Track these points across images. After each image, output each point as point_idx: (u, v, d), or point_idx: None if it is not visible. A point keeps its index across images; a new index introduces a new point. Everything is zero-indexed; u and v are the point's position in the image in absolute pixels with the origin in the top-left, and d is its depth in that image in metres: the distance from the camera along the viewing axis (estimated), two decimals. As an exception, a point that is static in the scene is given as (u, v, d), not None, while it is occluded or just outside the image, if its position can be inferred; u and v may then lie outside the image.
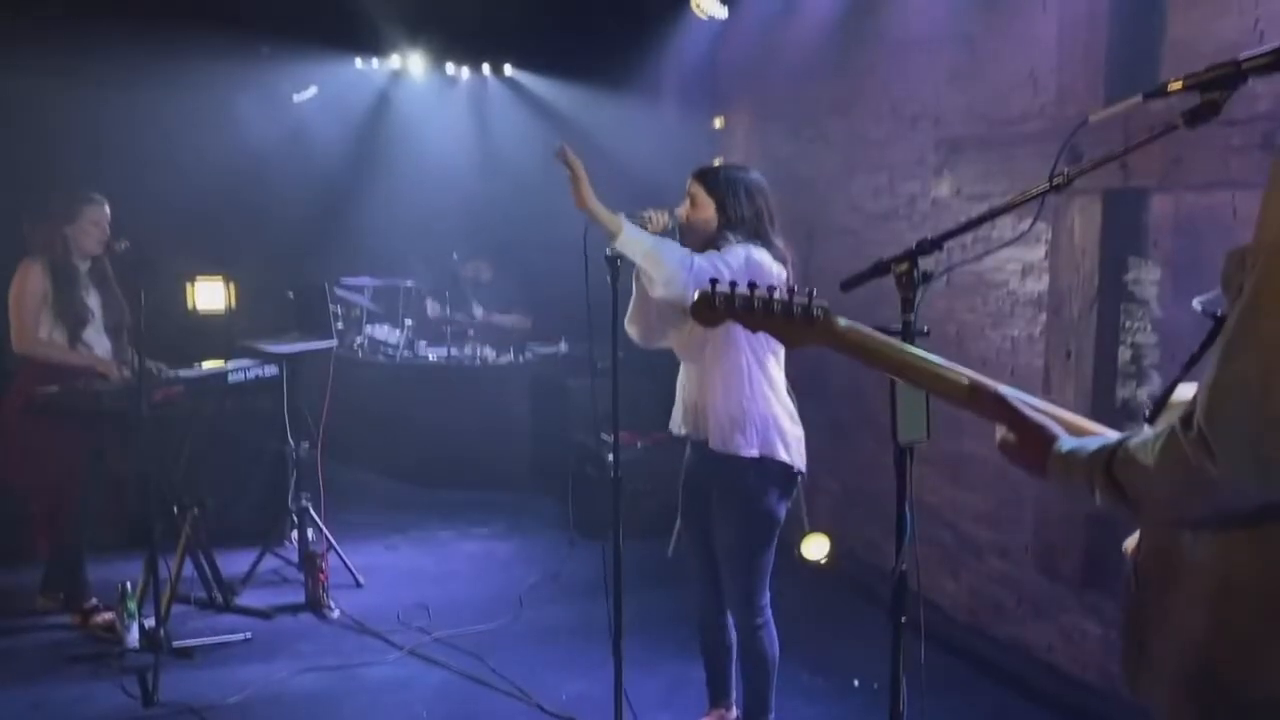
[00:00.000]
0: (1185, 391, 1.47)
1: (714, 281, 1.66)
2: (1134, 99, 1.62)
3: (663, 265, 2.89)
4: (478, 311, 7.45)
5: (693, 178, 3.16)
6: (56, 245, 4.33)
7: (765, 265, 3.03)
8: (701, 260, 2.93)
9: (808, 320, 1.63)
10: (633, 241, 2.93)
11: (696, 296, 1.67)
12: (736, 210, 3.09)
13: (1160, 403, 1.51)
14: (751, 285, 1.65)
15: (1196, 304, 1.48)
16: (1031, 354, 4.07)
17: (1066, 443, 1.46)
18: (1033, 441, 1.51)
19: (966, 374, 1.60)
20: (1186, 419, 1.24)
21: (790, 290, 1.66)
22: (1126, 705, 3.60)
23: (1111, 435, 1.51)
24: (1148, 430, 1.38)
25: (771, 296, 1.65)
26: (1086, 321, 3.71)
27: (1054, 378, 3.85)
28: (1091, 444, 1.42)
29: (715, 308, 1.65)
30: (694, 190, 3.14)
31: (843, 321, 1.64)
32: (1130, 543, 1.56)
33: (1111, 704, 3.66)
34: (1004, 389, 1.57)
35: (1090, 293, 3.68)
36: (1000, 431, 1.57)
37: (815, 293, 1.65)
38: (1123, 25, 3.56)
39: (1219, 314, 1.38)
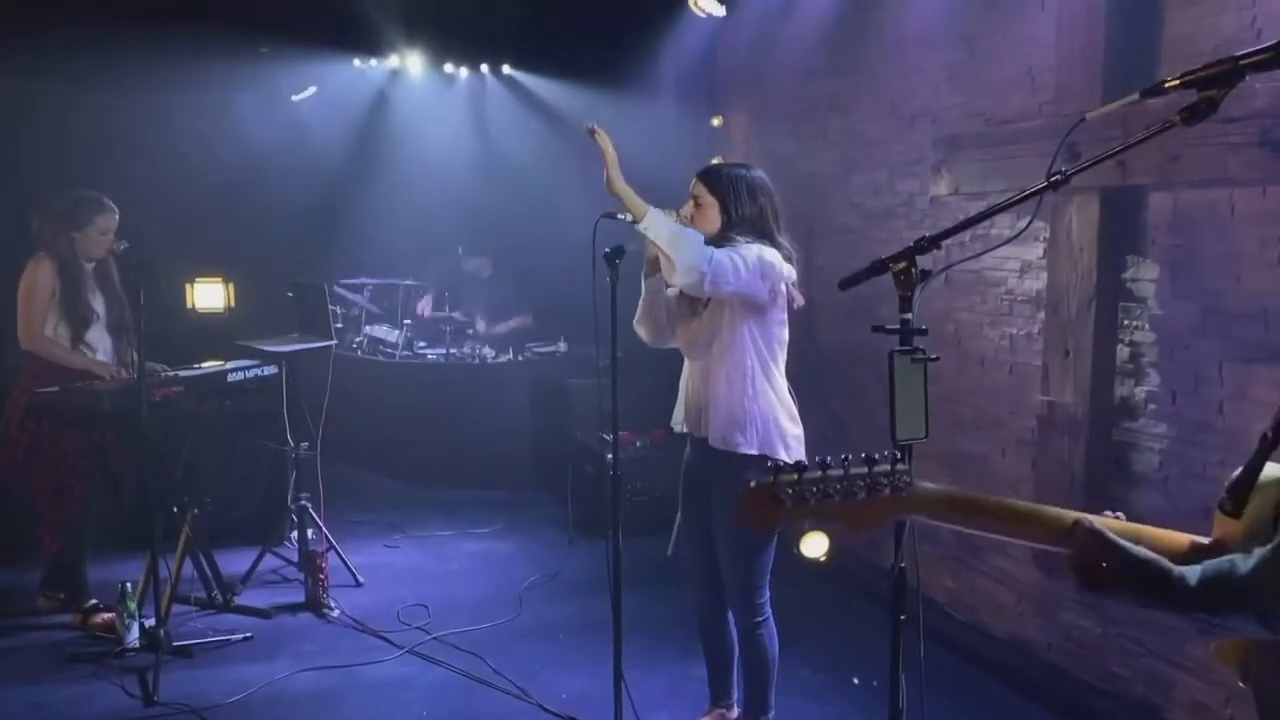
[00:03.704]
0: (1275, 471, 1.38)
1: (777, 470, 1.37)
2: (1132, 97, 1.62)
3: (684, 253, 2.92)
4: (480, 325, 7.45)
5: (696, 178, 3.18)
6: (62, 247, 4.35)
7: (776, 265, 3.05)
8: (721, 255, 2.96)
9: (895, 492, 1.39)
10: (656, 227, 2.96)
11: (753, 489, 1.38)
12: (739, 209, 3.10)
13: (1244, 486, 1.37)
14: (821, 464, 1.37)
15: None
16: (1030, 352, 4.08)
17: (1191, 574, 1.28)
18: (1147, 577, 1.32)
19: (1063, 512, 1.44)
20: None
21: (869, 460, 1.38)
22: (1126, 703, 3.61)
23: (1180, 539, 1.40)
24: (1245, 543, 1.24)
25: (847, 473, 1.36)
26: (1084, 319, 3.71)
27: (1052, 376, 3.86)
28: (1232, 567, 1.25)
29: (780, 501, 1.36)
30: (697, 190, 3.16)
31: (928, 485, 1.44)
32: (1223, 647, 1.46)
33: (1111, 702, 3.67)
34: (1096, 521, 1.40)
35: (1088, 290, 3.69)
36: (1084, 570, 1.38)
37: (900, 456, 1.39)
38: (1120, 23, 3.56)
39: None
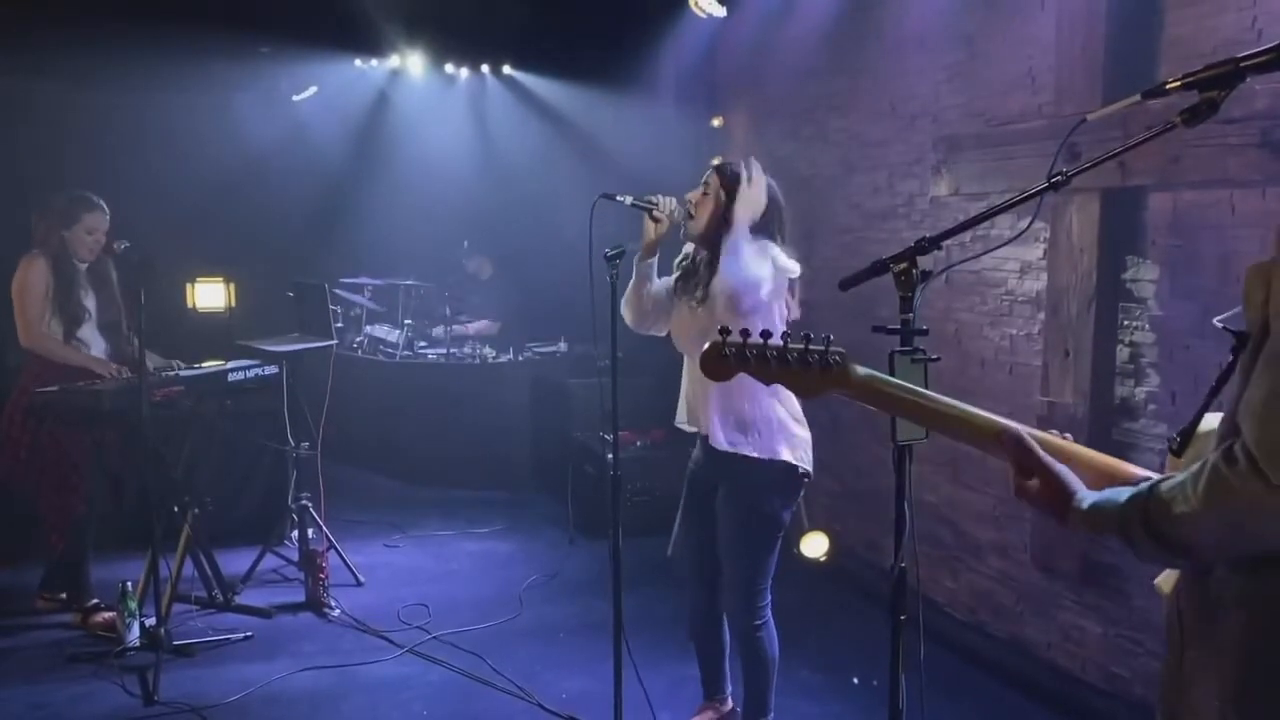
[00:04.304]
0: (1213, 421, 1.43)
1: (724, 331, 1.56)
2: (1132, 98, 1.63)
3: None
4: (437, 331, 7.44)
5: (713, 168, 3.19)
6: (55, 244, 4.35)
7: (785, 264, 3.04)
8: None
9: (824, 369, 1.54)
10: None
11: (706, 348, 1.57)
12: None
13: (1188, 434, 1.45)
14: (764, 334, 1.57)
15: (1218, 322, 1.43)
16: (1030, 352, 4.08)
17: (1087, 497, 1.39)
18: (1053, 492, 1.43)
19: (991, 417, 1.51)
20: (1228, 452, 1.19)
21: (805, 336, 1.56)
22: (1125, 703, 3.62)
23: (1129, 470, 1.47)
24: (1176, 473, 1.30)
25: (786, 345, 1.55)
26: (1084, 320, 3.71)
27: (1052, 376, 3.86)
28: (1117, 496, 1.35)
29: (726, 358, 1.55)
30: (710, 179, 3.17)
31: (861, 369, 1.55)
32: (1163, 580, 1.51)
33: (1110, 702, 3.67)
34: (1025, 432, 1.47)
35: (1088, 291, 3.69)
36: (1013, 476, 1.47)
37: (831, 338, 1.55)
38: (1121, 24, 3.56)
39: (1240, 331, 1.34)
